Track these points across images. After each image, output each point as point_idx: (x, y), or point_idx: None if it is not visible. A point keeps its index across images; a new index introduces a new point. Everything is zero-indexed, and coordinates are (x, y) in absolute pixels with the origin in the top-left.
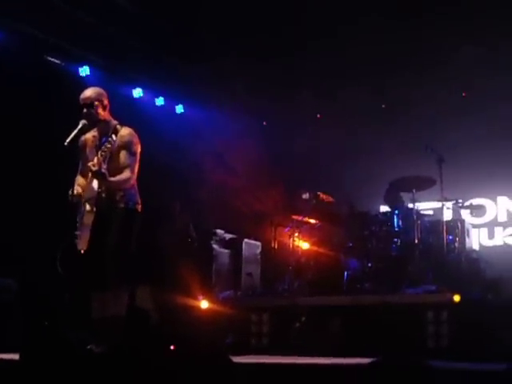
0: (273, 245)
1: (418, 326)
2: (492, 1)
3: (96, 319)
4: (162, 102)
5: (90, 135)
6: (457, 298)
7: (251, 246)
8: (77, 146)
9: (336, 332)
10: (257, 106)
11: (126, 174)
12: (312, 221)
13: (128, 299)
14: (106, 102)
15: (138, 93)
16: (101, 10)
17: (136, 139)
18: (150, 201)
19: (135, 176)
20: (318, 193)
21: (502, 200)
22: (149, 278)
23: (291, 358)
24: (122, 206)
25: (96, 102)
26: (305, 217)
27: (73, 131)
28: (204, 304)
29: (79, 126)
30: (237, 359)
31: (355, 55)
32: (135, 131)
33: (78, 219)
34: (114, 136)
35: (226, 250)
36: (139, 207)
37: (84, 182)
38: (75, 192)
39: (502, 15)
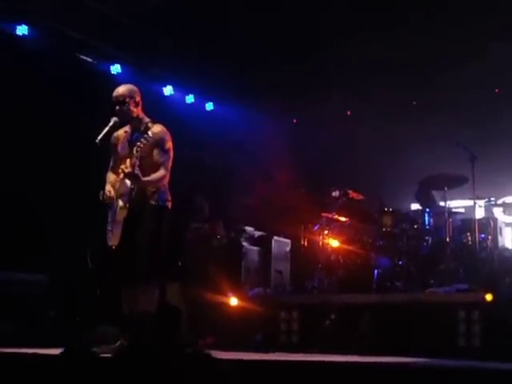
0: (302, 242)
1: (449, 325)
2: None
3: (126, 315)
4: (192, 100)
5: (121, 131)
6: (489, 297)
7: (281, 244)
8: (108, 143)
9: (365, 330)
10: (287, 103)
11: (160, 173)
12: (342, 218)
13: (158, 295)
14: (138, 98)
15: (168, 90)
16: (132, 8)
17: (168, 136)
18: (180, 198)
19: (169, 174)
20: (348, 190)
21: None
22: (179, 275)
23: (320, 356)
24: (152, 202)
25: (128, 99)
26: (334, 214)
27: (104, 128)
28: (233, 301)
29: (110, 124)
30: (266, 356)
31: (386, 52)
32: (167, 128)
33: (109, 215)
34: (149, 133)
35: (256, 248)
36: (169, 204)
37: (116, 179)
38: (107, 194)
39: None
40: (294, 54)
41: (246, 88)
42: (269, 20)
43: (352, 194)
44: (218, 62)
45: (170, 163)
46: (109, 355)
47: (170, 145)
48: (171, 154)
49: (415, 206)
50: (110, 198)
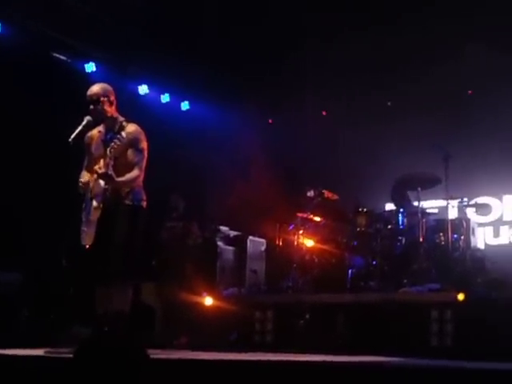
0: (277, 242)
1: (421, 325)
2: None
3: (100, 314)
4: (168, 99)
5: (95, 131)
6: (461, 296)
7: (256, 244)
8: (82, 143)
9: (339, 329)
10: (263, 103)
11: (134, 173)
12: (317, 218)
13: (132, 295)
14: (112, 98)
15: (143, 89)
16: (107, 7)
17: (143, 136)
18: (154, 197)
19: (143, 174)
20: (323, 190)
21: (508, 199)
22: (153, 274)
23: (294, 356)
24: (127, 202)
25: (102, 98)
26: (309, 214)
27: (77, 128)
28: (208, 300)
29: (83, 123)
30: (240, 356)
31: (361, 52)
32: (141, 128)
33: (83, 215)
34: (123, 133)
35: (231, 247)
36: (144, 204)
37: (90, 178)
38: (82, 180)
39: (505, 12)
40: (269, 54)
41: (222, 87)
42: (245, 20)
43: (327, 193)
44: (194, 62)
45: (145, 163)
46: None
47: (144, 144)
48: (146, 153)
49: (389, 206)
50: (86, 184)
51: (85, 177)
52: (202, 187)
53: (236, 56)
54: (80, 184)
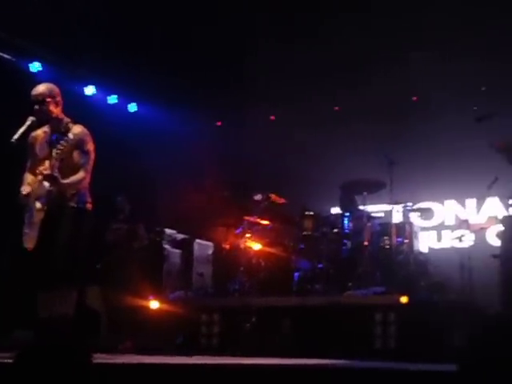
0: (225, 245)
1: (366, 327)
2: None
3: (43, 318)
4: (116, 100)
5: (40, 131)
6: (404, 299)
7: (203, 247)
8: (25, 143)
9: (286, 332)
10: (212, 106)
11: (80, 175)
12: (264, 222)
13: (77, 299)
14: (58, 98)
15: (90, 90)
16: (54, 5)
17: (89, 137)
18: (101, 199)
19: (89, 176)
20: (270, 194)
21: (450, 203)
22: (99, 277)
23: (240, 359)
24: (72, 204)
25: (48, 99)
26: (257, 218)
27: (20, 128)
28: (154, 304)
29: (27, 123)
30: (186, 360)
31: (307, 57)
32: (88, 129)
33: (26, 217)
34: (70, 135)
35: (178, 250)
36: (90, 206)
37: (34, 180)
38: (24, 192)
39: (449, 21)
40: (218, 57)
41: (170, 90)
42: (194, 23)
43: (274, 197)
44: (143, 63)
45: (91, 165)
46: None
47: (90, 146)
48: (92, 155)
49: (336, 210)
50: (27, 195)
51: (26, 188)
52: (149, 189)
53: (185, 58)
54: (21, 195)
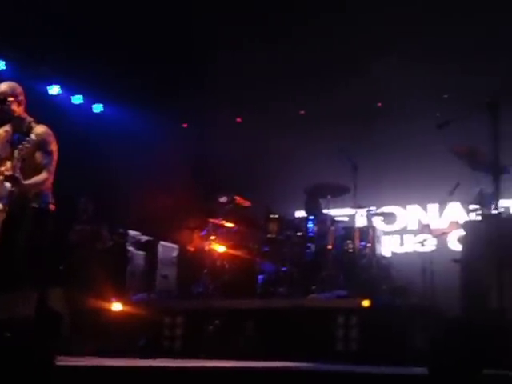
0: (189, 248)
1: (328, 330)
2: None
3: (3, 320)
4: (81, 101)
5: (1, 131)
6: (366, 303)
7: (167, 249)
8: None
9: (249, 335)
10: (178, 108)
11: (43, 176)
12: (229, 224)
13: (38, 300)
14: (21, 97)
15: (55, 90)
16: (17, 3)
17: (52, 138)
18: (62, 200)
19: (52, 176)
20: (235, 196)
21: (412, 208)
22: (61, 279)
23: (203, 361)
24: (34, 205)
25: (10, 98)
26: (221, 220)
27: None
28: (117, 306)
29: None
30: (148, 362)
31: (275, 61)
32: (51, 129)
33: None
34: (33, 136)
35: (142, 252)
36: (52, 207)
37: None
38: None
39: (413, 29)
40: (185, 59)
41: (136, 91)
42: (159, 24)
43: (239, 200)
44: (109, 64)
45: (54, 165)
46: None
47: (53, 147)
48: (55, 156)
49: (300, 214)
50: None
51: None
52: (113, 191)
53: (151, 60)
54: None
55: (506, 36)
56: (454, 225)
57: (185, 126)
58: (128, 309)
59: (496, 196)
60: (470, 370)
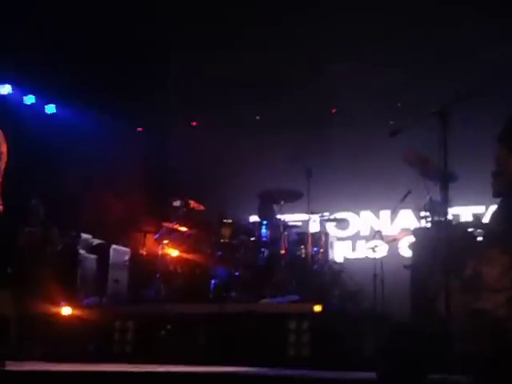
0: (142, 252)
1: (280, 335)
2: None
3: None
4: (33, 101)
5: None
6: (318, 308)
7: (119, 252)
8: None
9: (201, 340)
10: (132, 111)
11: None
12: (182, 228)
13: None
14: None
15: (5, 89)
16: None
17: (1, 138)
18: (12, 202)
19: (1, 177)
20: (189, 201)
21: (365, 214)
22: (9, 282)
23: (153, 366)
24: None
25: None
26: (175, 224)
27: None
28: (66, 310)
29: None
30: (98, 367)
31: (231, 66)
32: (0, 130)
33: None
34: None
35: (93, 256)
36: (1, 208)
37: None
38: None
39: (365, 34)
40: (140, 62)
41: (91, 94)
42: (116, 25)
43: (193, 204)
44: (63, 65)
45: (3, 166)
46: None
47: (2, 148)
48: (4, 157)
49: (254, 218)
50: None
51: None
52: (65, 193)
53: (106, 63)
54: None
55: (456, 47)
56: (405, 231)
57: (139, 130)
58: (78, 313)
59: (445, 203)
60: (416, 375)
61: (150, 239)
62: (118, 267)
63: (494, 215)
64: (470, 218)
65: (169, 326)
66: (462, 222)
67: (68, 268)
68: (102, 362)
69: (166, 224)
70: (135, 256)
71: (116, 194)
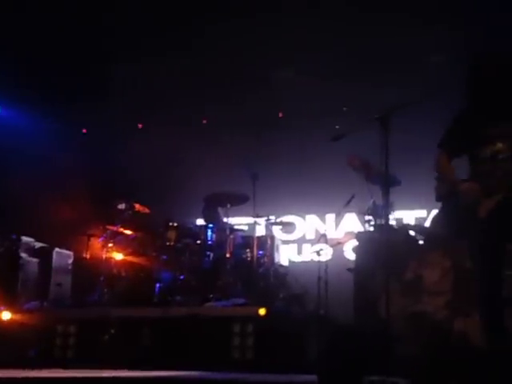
0: (85, 255)
1: (225, 338)
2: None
3: None
4: None
5: None
6: (262, 311)
7: (62, 256)
8: None
9: (145, 344)
10: (77, 113)
11: None
12: (127, 231)
13: None
14: None
15: None
16: None
17: None
18: None
19: None
20: (134, 203)
21: (310, 218)
22: None
23: (96, 372)
24: None
25: None
26: (120, 227)
27: None
28: (5, 315)
29: None
30: (38, 373)
31: (179, 69)
32: None
33: None
34: None
35: (35, 259)
36: None
37: None
38: None
39: (312, 40)
40: (84, 63)
41: (34, 94)
42: (59, 28)
43: (138, 207)
44: (6, 65)
45: None
46: None
47: None
48: None
49: (200, 222)
50: None
51: None
52: (7, 195)
53: (50, 64)
54: None
55: (401, 52)
56: (350, 235)
57: (84, 131)
58: (19, 317)
59: (387, 207)
60: (356, 377)
61: (95, 242)
62: (60, 271)
63: (435, 219)
64: (412, 222)
65: (112, 330)
66: (404, 225)
67: (8, 272)
68: (43, 368)
69: (110, 227)
70: (79, 259)
71: (59, 197)
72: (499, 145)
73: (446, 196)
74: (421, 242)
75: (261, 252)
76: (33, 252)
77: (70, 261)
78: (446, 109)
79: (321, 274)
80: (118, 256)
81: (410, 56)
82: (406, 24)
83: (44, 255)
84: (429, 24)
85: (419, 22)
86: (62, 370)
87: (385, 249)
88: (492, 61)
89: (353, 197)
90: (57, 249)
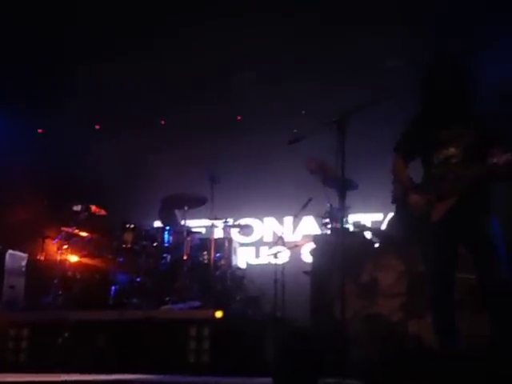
0: (39, 257)
1: (181, 341)
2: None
3: None
4: None
5: None
6: (219, 314)
7: (16, 258)
8: None
9: (100, 347)
10: (33, 113)
11: None
12: (83, 233)
13: None
14: None
15: None
16: None
17: None
18: None
19: None
20: (91, 205)
21: (268, 221)
22: None
23: (49, 376)
24: None
25: None
26: (75, 229)
27: None
28: None
29: None
30: None
31: (137, 70)
32: None
33: None
34: None
35: None
36: None
37: None
38: None
39: (271, 44)
40: (41, 62)
41: None
42: (14, 22)
43: (94, 208)
44: None
45: None
46: None
47: None
48: None
49: (157, 224)
50: None
51: None
52: None
53: (6, 61)
54: None
55: (359, 57)
56: (307, 238)
57: (40, 131)
58: None
59: (343, 210)
60: (312, 379)
61: (49, 244)
62: (14, 273)
63: (391, 223)
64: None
65: (66, 334)
66: (362, 226)
67: None
68: None
69: (65, 229)
70: (33, 261)
71: (13, 198)
72: (451, 149)
73: (401, 199)
74: (376, 245)
75: (218, 255)
76: None
77: (24, 263)
78: (403, 112)
79: (278, 276)
80: (73, 258)
81: (367, 61)
82: (364, 29)
83: None
84: (385, 29)
85: (377, 28)
86: (14, 374)
87: (341, 251)
88: (443, 60)
89: (310, 200)
90: (10, 251)
